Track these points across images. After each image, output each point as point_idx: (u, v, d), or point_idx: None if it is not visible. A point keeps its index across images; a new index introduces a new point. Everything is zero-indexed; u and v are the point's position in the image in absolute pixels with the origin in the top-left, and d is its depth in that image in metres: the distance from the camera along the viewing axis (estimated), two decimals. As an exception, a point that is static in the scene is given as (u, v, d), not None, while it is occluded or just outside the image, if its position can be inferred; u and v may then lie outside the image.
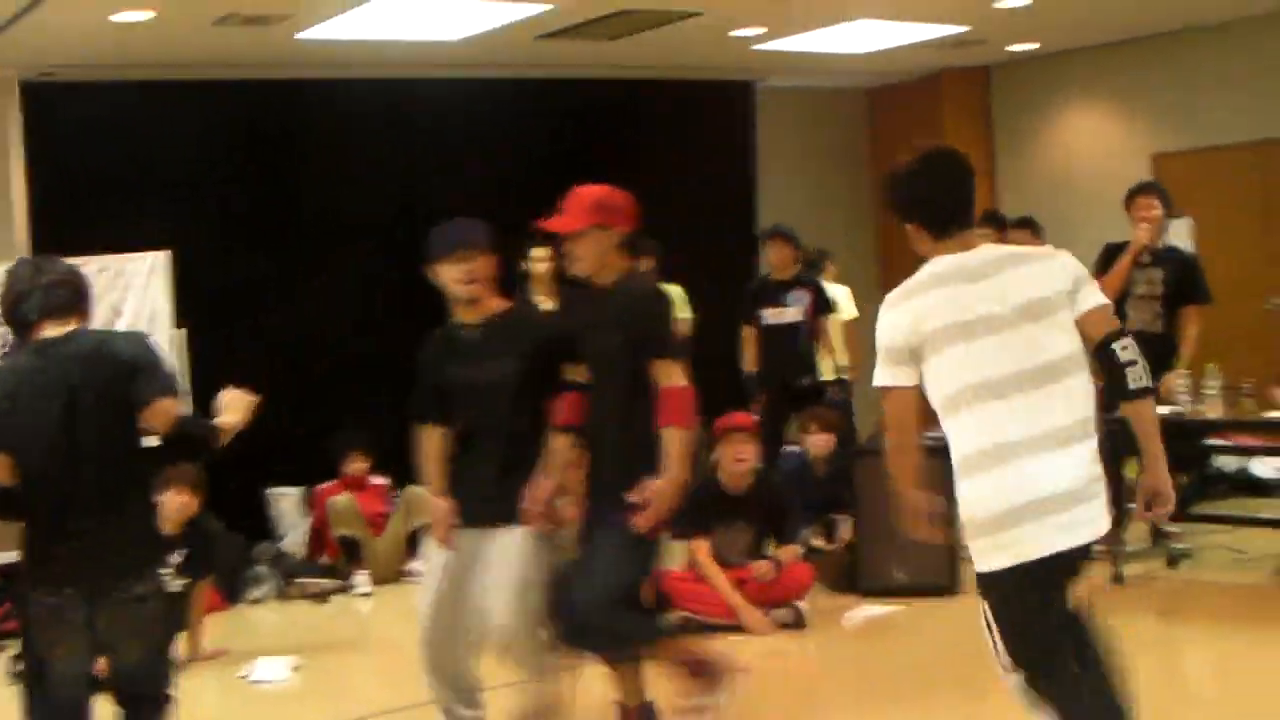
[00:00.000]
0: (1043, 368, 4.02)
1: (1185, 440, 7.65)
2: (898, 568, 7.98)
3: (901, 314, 4.15)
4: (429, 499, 5.72)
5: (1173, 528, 8.21)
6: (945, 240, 4.18)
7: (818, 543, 8.38)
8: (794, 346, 10.00)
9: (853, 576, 8.15)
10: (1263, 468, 10.03)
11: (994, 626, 4.12)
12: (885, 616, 7.71)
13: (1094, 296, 4.12)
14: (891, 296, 4.20)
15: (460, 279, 5.40)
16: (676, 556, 7.84)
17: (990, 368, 4.02)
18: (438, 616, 5.49)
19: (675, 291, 10.51)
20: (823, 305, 10.16)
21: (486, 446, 5.46)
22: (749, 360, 10.12)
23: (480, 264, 5.44)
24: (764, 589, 7.53)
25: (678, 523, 7.75)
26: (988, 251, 4.21)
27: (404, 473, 9.50)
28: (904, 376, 4.13)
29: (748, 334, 10.14)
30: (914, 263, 4.24)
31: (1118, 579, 7.84)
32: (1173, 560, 8.29)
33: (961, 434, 4.06)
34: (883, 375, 4.16)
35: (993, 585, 4.09)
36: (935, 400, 4.12)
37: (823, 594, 8.01)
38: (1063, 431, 4.00)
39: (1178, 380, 7.91)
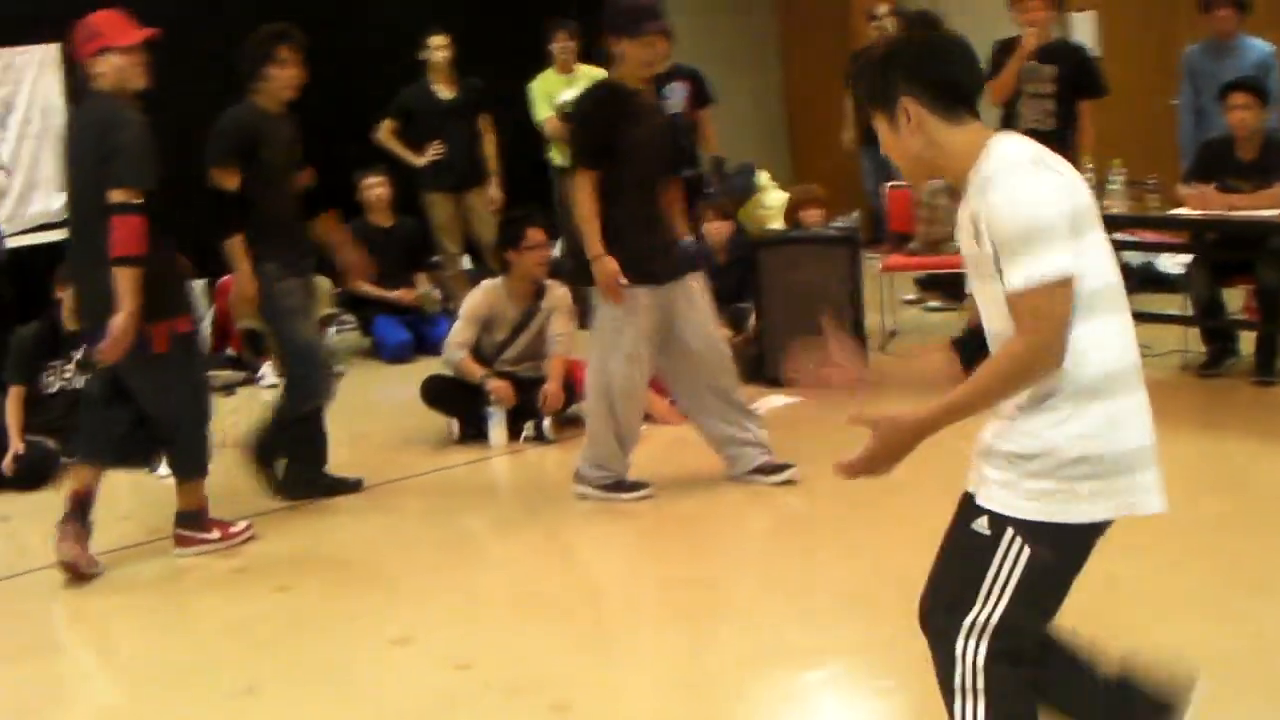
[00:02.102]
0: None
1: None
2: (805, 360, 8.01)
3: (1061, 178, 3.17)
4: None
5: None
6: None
7: (725, 333, 8.40)
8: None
9: (759, 367, 8.21)
10: (1167, 263, 10.05)
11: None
12: (791, 407, 7.81)
13: None
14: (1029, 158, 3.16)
15: (655, 58, 6.01)
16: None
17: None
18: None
19: None
20: (703, 97, 10.10)
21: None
22: None
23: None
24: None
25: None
26: None
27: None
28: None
29: None
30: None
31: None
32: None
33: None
34: (1057, 261, 3.01)
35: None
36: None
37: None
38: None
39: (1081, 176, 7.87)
